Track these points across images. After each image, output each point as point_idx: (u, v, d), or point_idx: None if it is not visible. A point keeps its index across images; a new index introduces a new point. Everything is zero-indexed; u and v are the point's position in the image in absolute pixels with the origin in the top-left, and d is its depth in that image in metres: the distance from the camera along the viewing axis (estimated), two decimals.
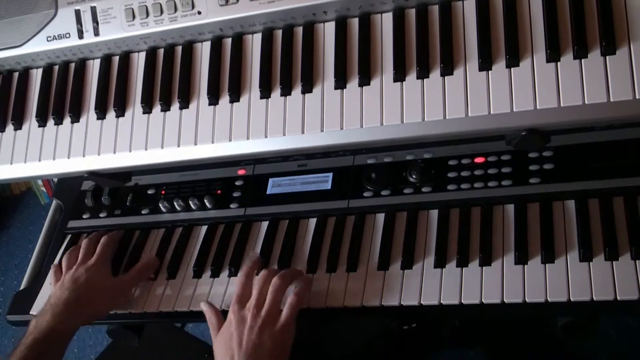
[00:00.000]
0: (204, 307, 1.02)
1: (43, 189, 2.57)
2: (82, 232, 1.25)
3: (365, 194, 1.11)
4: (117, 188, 1.27)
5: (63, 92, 1.06)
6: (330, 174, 1.15)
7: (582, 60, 0.81)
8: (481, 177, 1.05)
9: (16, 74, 1.11)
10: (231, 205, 1.18)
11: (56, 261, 1.20)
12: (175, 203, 1.20)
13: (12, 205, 2.70)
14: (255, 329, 0.92)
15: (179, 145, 0.98)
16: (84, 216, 1.27)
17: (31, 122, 1.07)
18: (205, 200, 1.18)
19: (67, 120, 1.05)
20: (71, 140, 1.04)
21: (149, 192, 1.26)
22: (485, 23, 0.86)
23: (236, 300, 0.97)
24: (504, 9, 0.86)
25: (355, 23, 0.93)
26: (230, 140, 0.95)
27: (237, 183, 1.21)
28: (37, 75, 1.09)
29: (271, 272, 0.99)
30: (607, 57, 0.80)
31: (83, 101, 1.05)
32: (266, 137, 0.93)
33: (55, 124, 1.05)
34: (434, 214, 1.04)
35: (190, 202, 1.19)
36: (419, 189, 1.08)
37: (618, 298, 0.86)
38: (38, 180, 2.47)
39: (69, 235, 1.26)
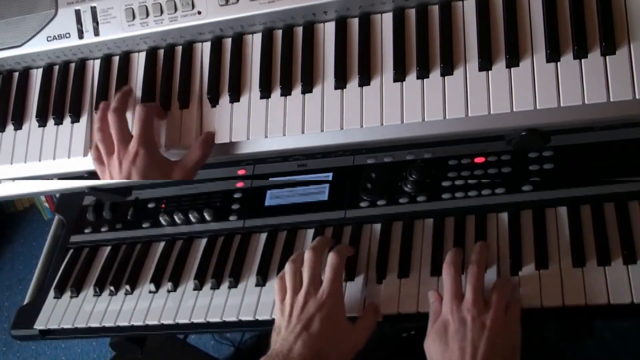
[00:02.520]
0: (431, 297, 0.94)
1: (46, 204, 2.57)
2: (84, 247, 1.25)
3: (361, 204, 1.11)
4: (118, 202, 1.27)
5: (63, 92, 1.06)
6: (330, 173, 1.16)
7: (582, 60, 0.81)
8: (475, 186, 1.05)
9: (16, 74, 1.10)
10: (230, 218, 1.18)
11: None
12: (175, 216, 1.20)
13: (15, 221, 2.69)
14: (485, 332, 0.86)
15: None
16: (86, 231, 1.27)
17: (31, 122, 1.07)
18: (204, 213, 1.18)
19: (68, 120, 1.05)
20: (71, 140, 1.03)
21: (150, 205, 1.26)
22: (485, 23, 0.86)
23: (452, 297, 0.90)
24: (504, 9, 0.86)
25: (355, 23, 0.93)
26: (230, 140, 0.95)
27: (235, 195, 1.21)
28: (37, 75, 1.09)
29: (501, 280, 0.94)
30: (607, 57, 0.80)
31: (83, 101, 1.05)
32: (266, 137, 0.93)
33: (55, 123, 1.05)
34: (430, 222, 1.04)
35: (190, 215, 1.19)
36: (414, 199, 1.08)
37: (611, 302, 0.87)
38: (41, 196, 2.47)
39: (71, 250, 1.25)
